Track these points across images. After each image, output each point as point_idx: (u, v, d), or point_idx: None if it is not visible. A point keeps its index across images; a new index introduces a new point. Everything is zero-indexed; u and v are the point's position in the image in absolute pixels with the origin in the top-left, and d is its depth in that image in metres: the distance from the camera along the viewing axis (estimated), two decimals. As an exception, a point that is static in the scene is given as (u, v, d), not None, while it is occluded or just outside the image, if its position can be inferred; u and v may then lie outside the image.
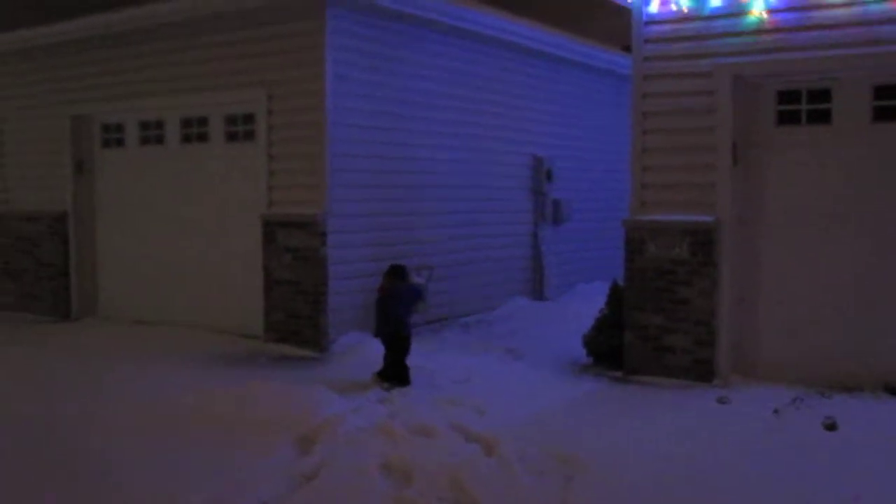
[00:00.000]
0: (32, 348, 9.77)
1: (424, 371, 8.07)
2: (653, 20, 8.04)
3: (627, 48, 13.53)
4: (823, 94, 7.55)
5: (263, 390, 7.06)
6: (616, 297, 8.46)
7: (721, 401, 7.16)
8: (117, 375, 8.23)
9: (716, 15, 7.77)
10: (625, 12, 8.37)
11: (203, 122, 10.59)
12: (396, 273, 8.10)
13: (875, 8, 7.14)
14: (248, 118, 10.05)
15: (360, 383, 7.76)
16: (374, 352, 8.15)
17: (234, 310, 10.23)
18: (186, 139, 10.81)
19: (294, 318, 9.43)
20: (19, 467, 5.78)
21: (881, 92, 7.33)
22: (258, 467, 5.65)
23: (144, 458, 5.89)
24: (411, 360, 7.95)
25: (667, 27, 8.00)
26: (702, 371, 7.80)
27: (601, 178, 13.63)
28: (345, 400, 6.98)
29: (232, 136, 10.33)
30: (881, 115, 7.34)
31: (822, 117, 7.56)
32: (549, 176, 12.37)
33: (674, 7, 7.92)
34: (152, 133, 11.15)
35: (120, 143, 11.55)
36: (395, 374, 7.79)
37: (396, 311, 7.87)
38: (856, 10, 7.21)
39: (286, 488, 5.37)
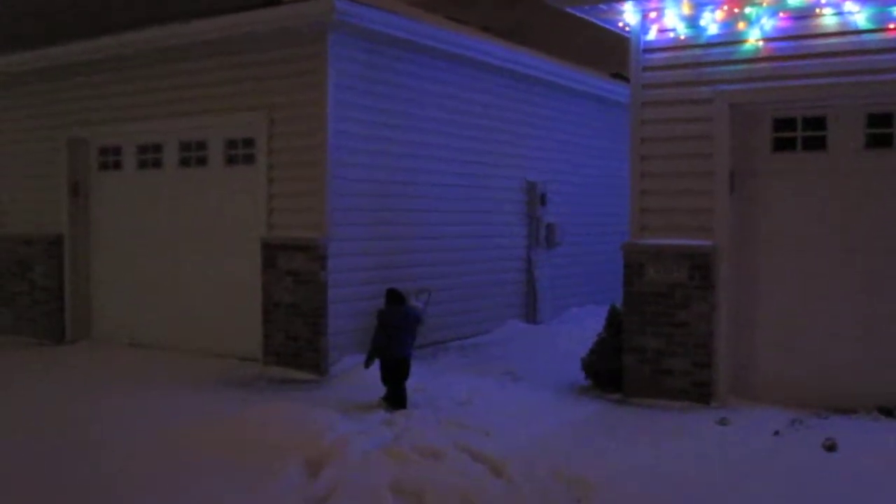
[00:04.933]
0: (27, 373, 9.76)
1: (426, 393, 8.14)
2: (651, 48, 8.18)
3: (616, 75, 13.84)
4: (819, 122, 7.70)
5: (268, 414, 7.07)
6: (615, 320, 8.55)
7: (721, 423, 7.25)
8: (115, 401, 8.17)
9: (713, 43, 7.91)
10: (622, 40, 8.52)
11: (202, 145, 10.65)
12: (394, 297, 8.17)
13: (870, 37, 7.31)
14: (248, 142, 10.11)
15: (362, 405, 7.81)
16: (374, 374, 8.17)
17: (232, 333, 10.23)
18: (185, 163, 10.86)
19: (294, 341, 9.47)
20: (24, 495, 5.75)
21: (875, 120, 7.49)
22: (270, 491, 5.68)
23: (153, 483, 5.89)
24: (412, 382, 8.01)
25: (664, 55, 8.14)
26: (700, 393, 7.89)
27: (594, 202, 13.78)
28: (350, 422, 7.00)
29: (231, 160, 10.39)
30: (874, 142, 7.50)
31: (818, 144, 7.71)
32: (542, 200, 12.48)
33: (671, 35, 8.07)
34: (150, 156, 11.20)
35: (117, 166, 11.59)
36: (393, 397, 7.85)
37: (396, 334, 7.93)
38: (851, 39, 7.38)
39: (299, 511, 5.40)
